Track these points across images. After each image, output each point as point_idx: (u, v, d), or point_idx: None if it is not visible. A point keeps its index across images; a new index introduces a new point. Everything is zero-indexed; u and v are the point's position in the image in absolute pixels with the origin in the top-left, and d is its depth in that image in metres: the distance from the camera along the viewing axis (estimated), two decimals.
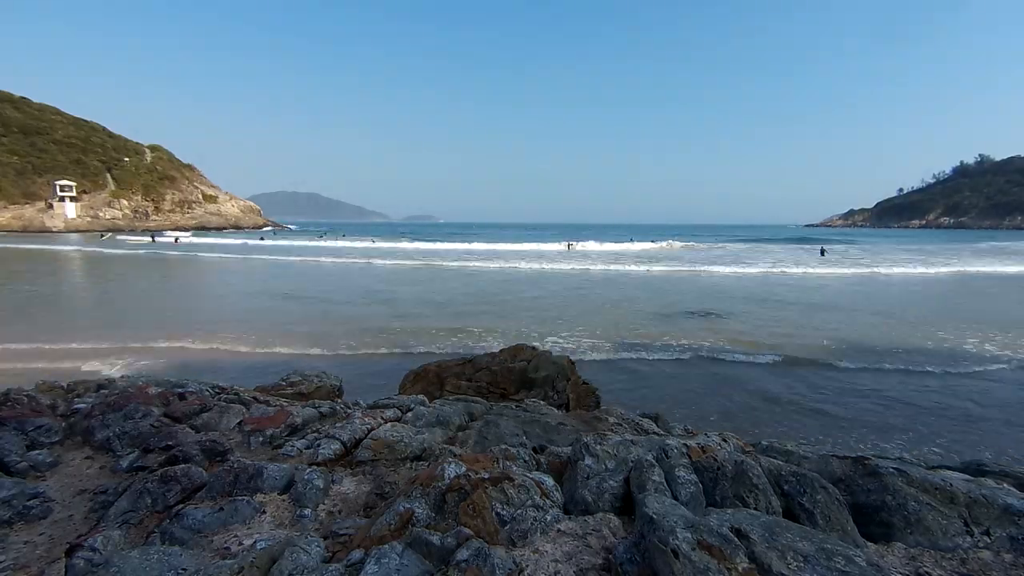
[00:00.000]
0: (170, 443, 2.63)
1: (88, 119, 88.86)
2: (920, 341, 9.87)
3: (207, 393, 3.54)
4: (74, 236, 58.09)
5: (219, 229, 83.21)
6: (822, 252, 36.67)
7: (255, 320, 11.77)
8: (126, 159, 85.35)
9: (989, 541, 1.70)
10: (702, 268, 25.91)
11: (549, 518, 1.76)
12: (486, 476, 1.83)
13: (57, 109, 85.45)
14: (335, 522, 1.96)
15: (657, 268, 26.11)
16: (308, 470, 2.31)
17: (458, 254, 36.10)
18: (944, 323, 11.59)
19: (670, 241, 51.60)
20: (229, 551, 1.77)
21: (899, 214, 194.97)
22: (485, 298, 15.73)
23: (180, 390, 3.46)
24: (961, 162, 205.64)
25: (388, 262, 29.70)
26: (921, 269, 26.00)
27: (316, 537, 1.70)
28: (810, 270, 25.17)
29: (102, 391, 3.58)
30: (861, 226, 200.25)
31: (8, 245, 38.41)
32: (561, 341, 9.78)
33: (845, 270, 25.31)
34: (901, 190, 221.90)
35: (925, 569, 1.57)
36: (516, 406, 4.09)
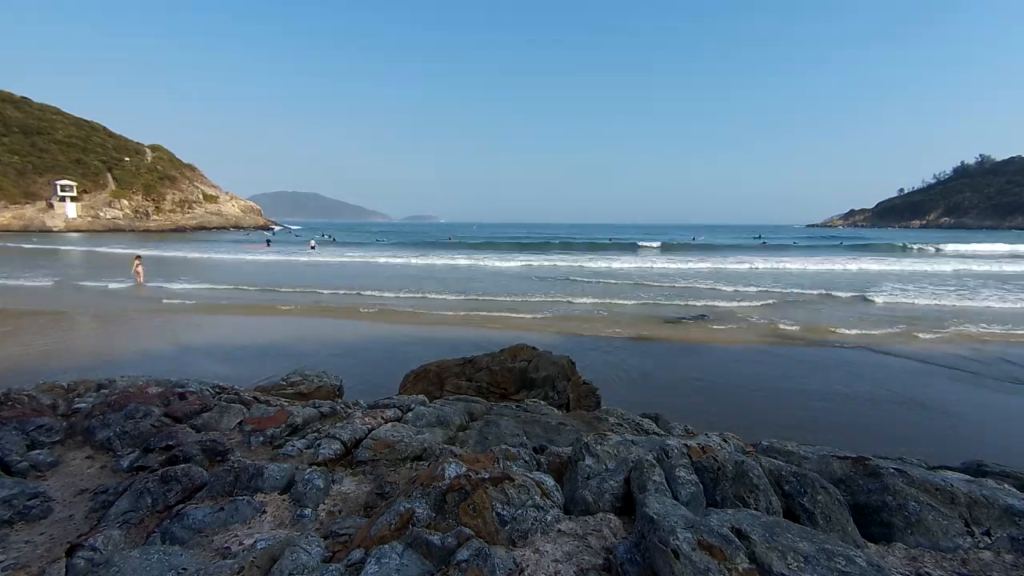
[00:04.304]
0: (170, 443, 2.63)
1: (89, 119, 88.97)
2: None
3: (207, 393, 3.54)
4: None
5: (220, 228, 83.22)
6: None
7: None
8: (127, 159, 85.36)
9: (990, 542, 1.70)
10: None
11: (549, 518, 1.76)
12: (486, 476, 1.83)
13: (58, 109, 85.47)
14: (335, 522, 1.96)
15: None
16: (308, 470, 2.31)
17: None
18: None
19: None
20: (229, 551, 1.77)
21: (900, 214, 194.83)
22: None
23: (180, 390, 3.46)
24: (962, 162, 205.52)
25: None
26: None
27: (316, 537, 1.70)
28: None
29: (102, 391, 3.58)
30: (861, 226, 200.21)
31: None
32: None
33: None
34: (902, 190, 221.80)
35: (926, 570, 1.57)
36: (516, 406, 4.09)
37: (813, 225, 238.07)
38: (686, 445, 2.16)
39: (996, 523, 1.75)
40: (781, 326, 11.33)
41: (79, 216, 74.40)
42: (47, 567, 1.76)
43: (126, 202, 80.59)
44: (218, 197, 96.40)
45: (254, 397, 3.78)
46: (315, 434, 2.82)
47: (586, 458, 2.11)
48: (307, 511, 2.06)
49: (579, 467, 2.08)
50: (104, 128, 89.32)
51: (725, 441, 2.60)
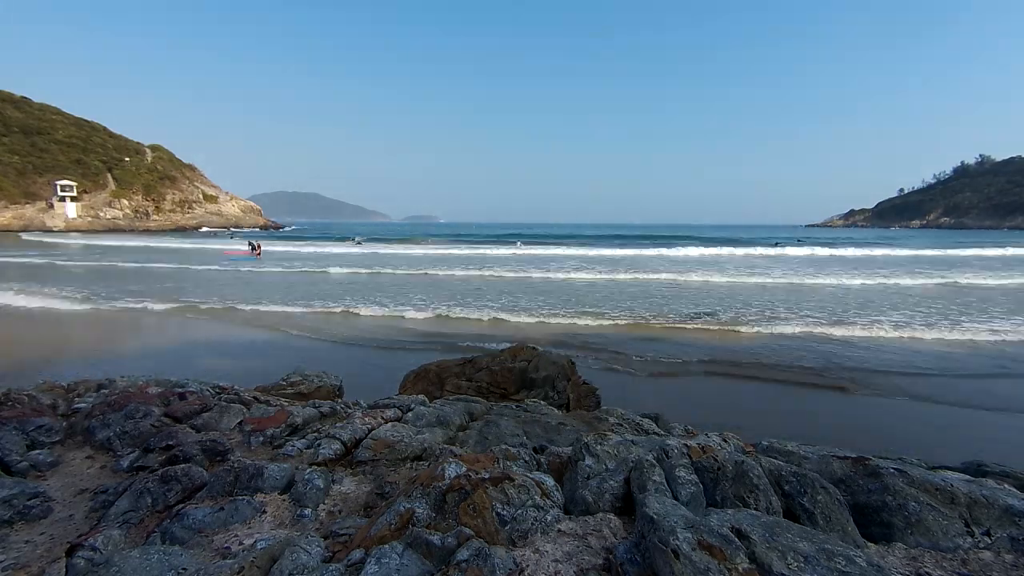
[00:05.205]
0: (170, 443, 2.64)
1: (89, 119, 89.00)
2: None
3: (208, 393, 3.54)
4: None
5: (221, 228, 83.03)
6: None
7: None
8: (127, 159, 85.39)
9: (990, 542, 1.70)
10: None
11: (549, 518, 1.76)
12: (486, 476, 1.83)
13: (58, 109, 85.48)
14: (335, 522, 1.96)
15: None
16: (308, 470, 2.31)
17: None
18: None
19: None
20: (229, 551, 1.77)
21: (899, 214, 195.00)
22: None
23: (180, 390, 3.46)
24: (962, 162, 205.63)
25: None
26: None
27: (316, 537, 1.70)
28: None
29: (103, 391, 3.58)
30: (862, 226, 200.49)
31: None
32: None
33: None
34: (902, 190, 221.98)
35: (926, 570, 1.57)
36: (516, 406, 4.09)
37: (813, 225, 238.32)
38: (686, 445, 2.16)
39: (996, 523, 1.75)
40: (778, 325, 11.34)
41: (79, 216, 74.43)
42: (47, 567, 1.76)
43: (126, 202, 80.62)
44: (218, 197, 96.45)
45: (254, 397, 3.78)
46: (315, 434, 2.82)
47: (586, 458, 2.11)
48: (307, 511, 2.06)
49: (579, 467, 2.08)
50: (104, 128, 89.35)
51: (725, 441, 2.60)
